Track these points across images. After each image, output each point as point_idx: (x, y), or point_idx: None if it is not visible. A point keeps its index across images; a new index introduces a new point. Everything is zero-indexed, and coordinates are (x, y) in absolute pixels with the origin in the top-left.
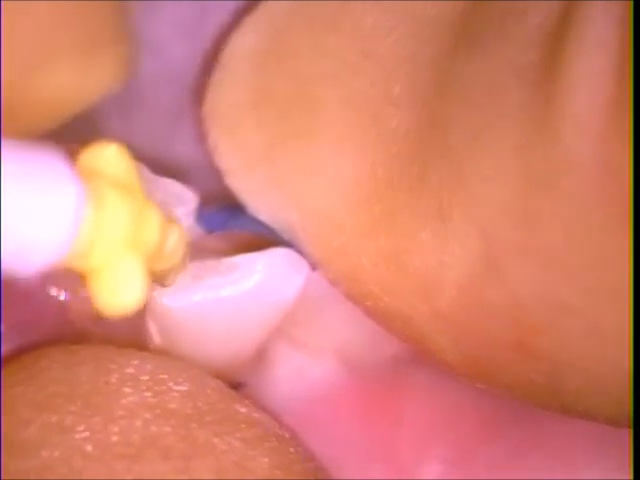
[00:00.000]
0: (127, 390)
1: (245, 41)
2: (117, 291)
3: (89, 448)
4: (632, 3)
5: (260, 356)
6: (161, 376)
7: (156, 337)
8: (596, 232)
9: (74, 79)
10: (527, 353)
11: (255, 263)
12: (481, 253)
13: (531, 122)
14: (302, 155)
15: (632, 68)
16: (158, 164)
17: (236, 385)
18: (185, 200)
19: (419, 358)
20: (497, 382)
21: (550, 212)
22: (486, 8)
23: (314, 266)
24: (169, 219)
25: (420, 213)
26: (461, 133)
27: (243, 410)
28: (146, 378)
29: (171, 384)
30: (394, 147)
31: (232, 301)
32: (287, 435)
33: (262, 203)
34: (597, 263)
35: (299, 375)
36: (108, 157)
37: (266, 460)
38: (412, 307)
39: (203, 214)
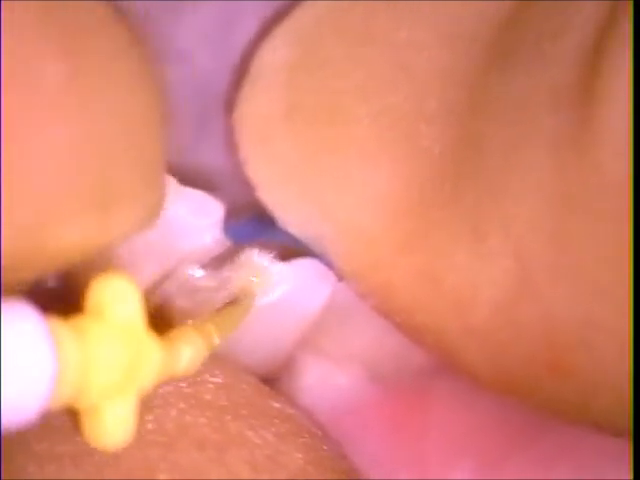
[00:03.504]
0: None
1: (275, 52)
2: (106, 432)
3: None
4: (632, 3)
5: (287, 366)
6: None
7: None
8: (629, 253)
9: (88, 232)
10: (560, 371)
11: (282, 274)
12: (515, 272)
13: (566, 143)
14: (334, 169)
15: (632, 68)
16: (184, 174)
17: (268, 382)
18: (211, 211)
19: (445, 369)
20: (528, 398)
21: (584, 232)
22: (521, 27)
23: (341, 277)
24: (181, 336)
25: (454, 231)
26: (495, 152)
27: (277, 405)
28: None
29: (207, 376)
30: (428, 164)
31: (259, 310)
32: (320, 433)
33: (292, 216)
34: (630, 283)
35: (325, 385)
36: (115, 291)
37: (299, 456)
38: (445, 324)
39: (231, 225)
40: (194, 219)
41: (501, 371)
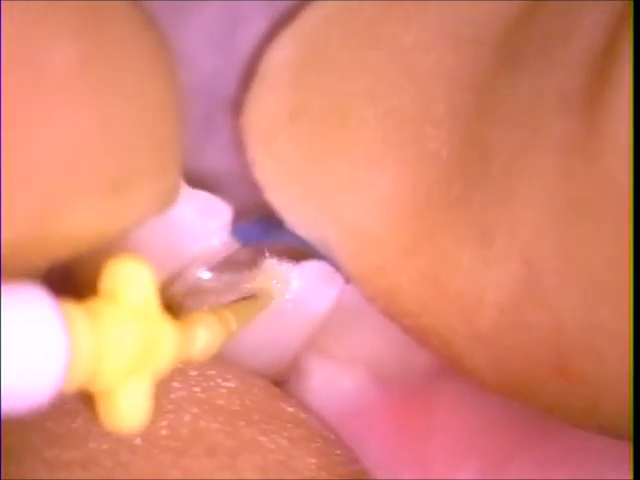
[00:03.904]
0: (176, 385)
1: (283, 54)
2: (121, 416)
3: (137, 441)
4: (632, 3)
5: (293, 367)
6: (209, 372)
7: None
8: (630, 258)
9: (95, 219)
10: (567, 376)
11: (288, 275)
12: (522, 277)
13: (574, 148)
14: (339, 171)
15: (632, 67)
16: (191, 176)
17: (279, 384)
18: (219, 213)
19: (450, 371)
20: (534, 402)
21: (592, 238)
22: (528, 30)
23: (347, 279)
24: (197, 320)
25: (461, 235)
26: (503, 156)
27: (290, 409)
28: (195, 373)
29: (219, 380)
30: (434, 167)
31: (266, 313)
32: (332, 436)
33: (299, 218)
34: (630, 286)
35: (331, 387)
36: (129, 274)
37: (312, 461)
38: (450, 327)
39: (239, 227)
40: (202, 221)
41: (507, 375)
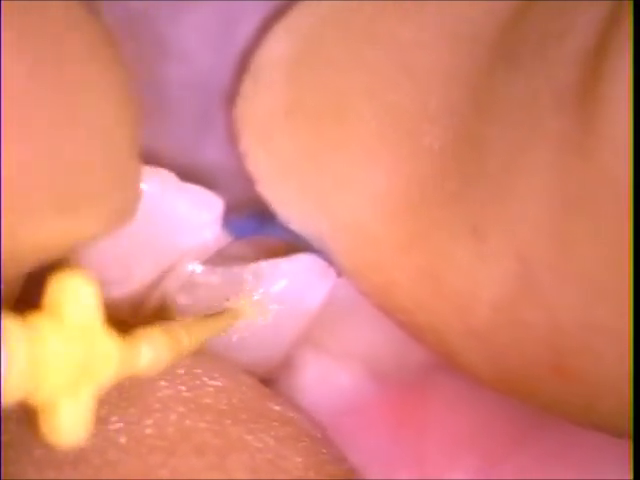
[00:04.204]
0: (163, 383)
1: (277, 48)
2: (61, 430)
3: (123, 440)
4: (632, 3)
5: (287, 363)
6: (196, 370)
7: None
8: (630, 255)
9: (50, 235)
10: (563, 374)
11: (281, 269)
12: (517, 273)
13: (570, 145)
14: (334, 166)
15: (632, 67)
16: (185, 170)
17: (267, 381)
18: (212, 206)
19: (446, 367)
20: (530, 399)
21: (587, 234)
22: (524, 28)
23: (340, 272)
24: (142, 337)
25: (456, 231)
26: (498, 153)
27: (277, 408)
28: (181, 372)
29: (206, 379)
30: (429, 163)
31: (258, 307)
32: (319, 435)
33: (293, 213)
34: (630, 285)
35: (325, 382)
36: (73, 289)
37: (300, 460)
38: (446, 323)
39: (232, 221)
40: (195, 215)
41: (502, 372)
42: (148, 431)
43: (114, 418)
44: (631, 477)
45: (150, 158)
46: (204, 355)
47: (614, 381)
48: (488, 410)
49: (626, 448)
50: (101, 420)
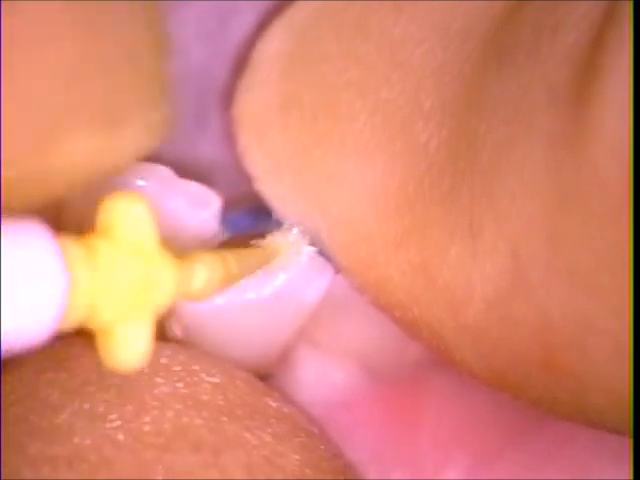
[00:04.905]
0: (159, 380)
1: (273, 45)
2: (120, 353)
3: (120, 437)
4: (632, 3)
5: (283, 359)
6: (193, 367)
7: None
8: (624, 254)
9: (93, 152)
10: (553, 370)
11: (279, 266)
12: (510, 270)
13: (562, 141)
14: (329, 163)
15: (632, 69)
16: (182, 166)
17: (264, 377)
18: (208, 203)
19: (440, 363)
20: (522, 395)
21: (579, 232)
22: (516, 24)
23: (337, 269)
24: (195, 258)
25: (450, 227)
26: (491, 148)
27: (273, 404)
28: (178, 369)
29: (203, 375)
30: (424, 159)
31: (255, 303)
32: (316, 431)
33: (289, 209)
34: (625, 284)
35: (320, 378)
36: (126, 210)
37: (296, 457)
38: (439, 319)
39: (229, 217)
40: (191, 211)
41: (494, 368)
42: (146, 428)
43: (112, 416)
44: (631, 477)
45: (146, 154)
46: (201, 352)
47: (604, 377)
48: (482, 407)
49: (619, 444)
50: (98, 417)
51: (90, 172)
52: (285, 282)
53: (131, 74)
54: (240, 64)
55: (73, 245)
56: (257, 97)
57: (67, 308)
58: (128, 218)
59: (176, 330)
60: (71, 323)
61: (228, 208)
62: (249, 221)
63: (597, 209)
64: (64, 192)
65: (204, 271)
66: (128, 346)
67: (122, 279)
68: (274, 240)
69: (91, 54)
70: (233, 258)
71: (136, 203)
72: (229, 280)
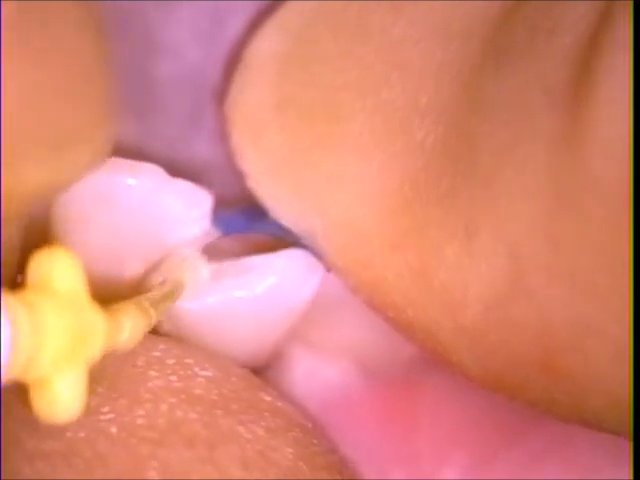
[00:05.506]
0: (153, 373)
1: (268, 43)
2: (57, 404)
3: (114, 430)
4: (632, 3)
5: (275, 358)
6: (187, 361)
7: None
8: (623, 256)
9: (45, 174)
10: (552, 373)
11: (271, 265)
12: (508, 271)
13: (560, 143)
14: (326, 163)
15: (632, 71)
16: (175, 166)
17: (258, 372)
18: (200, 202)
19: (436, 362)
20: (519, 397)
21: (577, 233)
22: (515, 24)
23: (329, 267)
24: (122, 310)
25: (448, 228)
26: (490, 149)
27: (267, 399)
28: (172, 362)
29: (197, 369)
30: (422, 160)
31: (247, 302)
32: (310, 425)
33: (285, 209)
34: (624, 287)
35: (314, 378)
36: (55, 264)
37: (290, 451)
38: (435, 321)
39: (222, 217)
40: (183, 210)
41: (492, 370)
42: (139, 422)
43: (105, 409)
44: (631, 477)
45: (139, 153)
46: (195, 346)
47: (603, 379)
48: (479, 407)
49: (617, 444)
50: (92, 411)
51: (39, 192)
52: (276, 281)
53: (78, 92)
54: (235, 64)
55: (11, 298)
56: (252, 97)
57: (11, 362)
58: (58, 272)
59: (167, 328)
60: (13, 375)
61: (221, 208)
62: (242, 221)
63: (594, 210)
64: (11, 215)
65: (129, 323)
66: (65, 397)
67: (59, 329)
68: (174, 272)
69: (40, 78)
70: (148, 304)
71: (65, 257)
72: (148, 326)
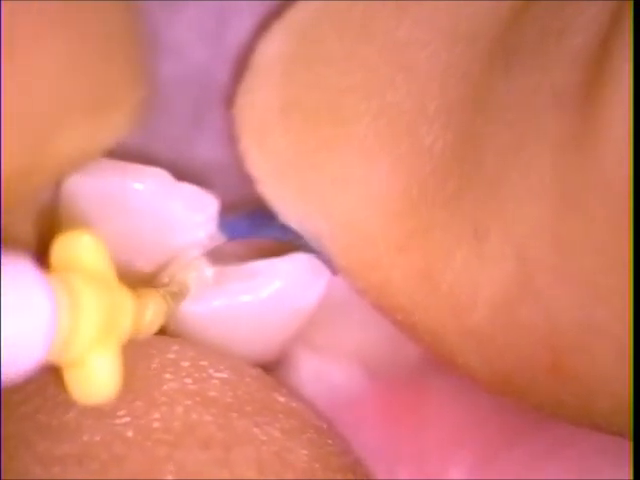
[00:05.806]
0: (168, 376)
1: (274, 46)
2: (90, 386)
3: (130, 433)
4: (632, 3)
5: (281, 362)
6: (201, 363)
7: None
8: (627, 256)
9: (82, 140)
10: (559, 374)
11: (276, 269)
12: (516, 273)
13: (569, 145)
14: (332, 165)
15: (632, 71)
16: (179, 169)
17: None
18: (206, 206)
19: (441, 364)
20: (526, 400)
21: (586, 235)
22: (523, 26)
23: (335, 270)
24: (145, 293)
25: (455, 231)
26: (497, 152)
27: (282, 399)
28: (187, 364)
29: (211, 371)
30: (428, 162)
31: (252, 307)
32: (325, 426)
33: (291, 211)
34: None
35: (320, 381)
36: (81, 246)
37: (305, 452)
38: (442, 324)
39: (227, 221)
40: (189, 214)
41: (499, 372)
42: (155, 425)
43: (121, 412)
44: (631, 477)
45: (144, 156)
46: (209, 347)
47: (610, 381)
48: (483, 407)
49: (621, 445)
50: (107, 414)
51: (76, 159)
52: (281, 285)
53: (113, 63)
54: (241, 65)
55: (55, 280)
56: (258, 99)
57: (54, 341)
58: (86, 253)
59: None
60: (54, 355)
61: (226, 211)
62: (247, 225)
63: (604, 211)
64: (47, 184)
65: (153, 307)
66: (101, 376)
67: (95, 310)
68: (179, 275)
69: (76, 49)
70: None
71: (91, 238)
72: (166, 315)
